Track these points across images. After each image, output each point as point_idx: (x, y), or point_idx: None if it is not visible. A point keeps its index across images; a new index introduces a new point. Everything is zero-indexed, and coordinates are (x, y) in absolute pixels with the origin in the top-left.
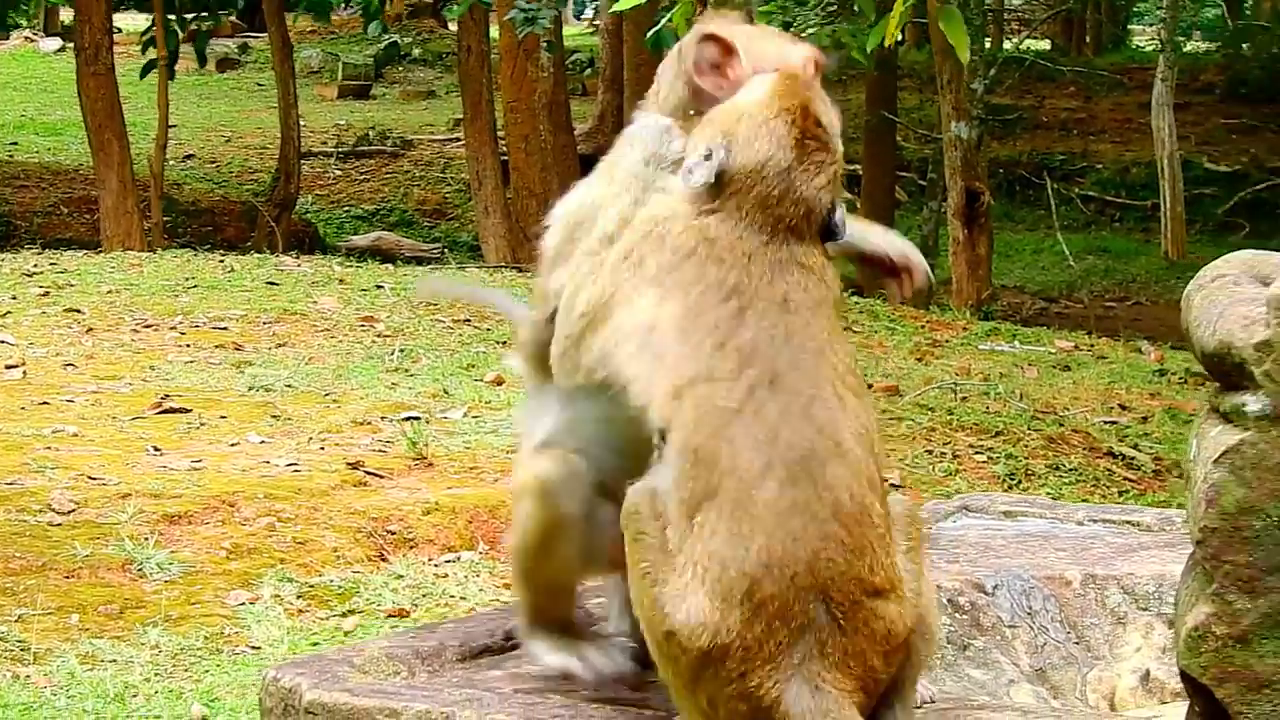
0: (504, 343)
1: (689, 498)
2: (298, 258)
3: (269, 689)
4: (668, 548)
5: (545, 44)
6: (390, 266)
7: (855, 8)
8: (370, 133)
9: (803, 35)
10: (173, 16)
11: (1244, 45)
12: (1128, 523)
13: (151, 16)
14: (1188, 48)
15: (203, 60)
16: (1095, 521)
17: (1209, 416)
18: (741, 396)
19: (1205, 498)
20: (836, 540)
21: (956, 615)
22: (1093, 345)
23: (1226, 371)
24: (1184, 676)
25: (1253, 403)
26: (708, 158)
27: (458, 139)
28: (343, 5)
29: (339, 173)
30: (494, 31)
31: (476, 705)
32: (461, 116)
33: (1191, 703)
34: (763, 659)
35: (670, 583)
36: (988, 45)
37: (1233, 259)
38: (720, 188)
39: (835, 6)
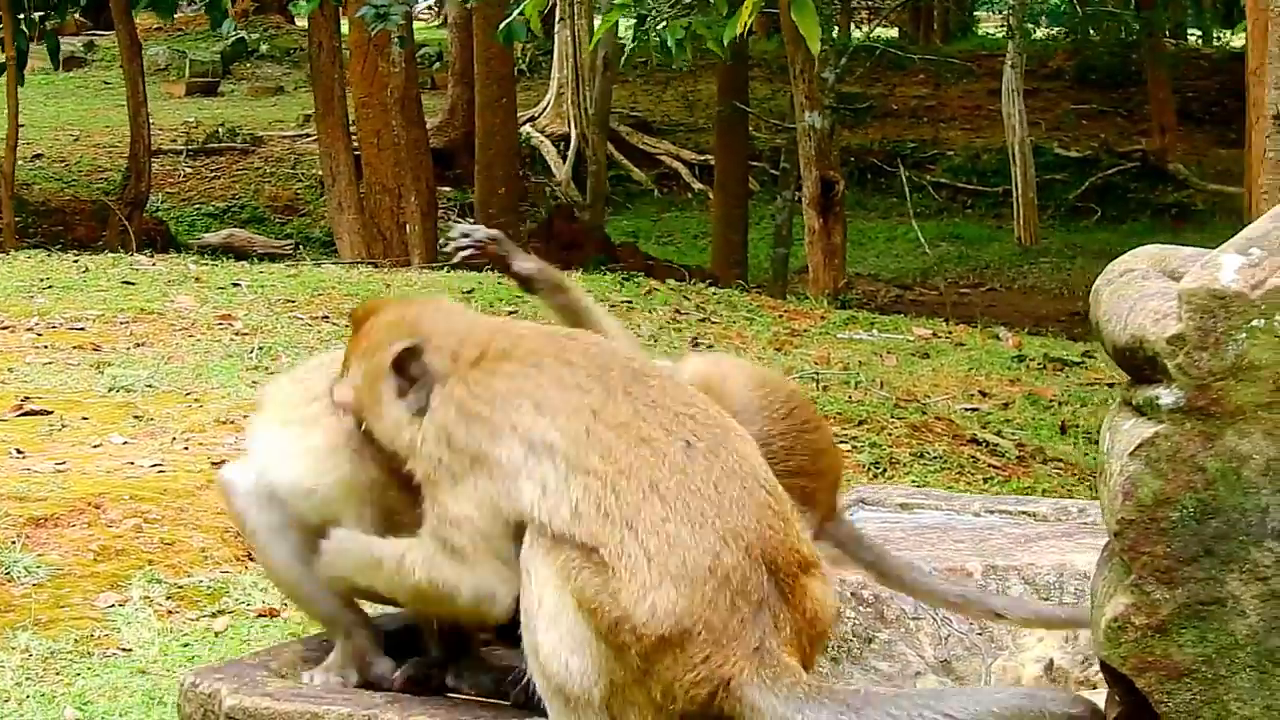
0: None
1: (609, 513)
2: (152, 256)
3: (187, 695)
4: (603, 563)
5: (397, 39)
6: (245, 264)
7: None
8: (220, 130)
9: (658, 27)
10: (20, 16)
11: (1091, 31)
12: (1024, 513)
13: None
14: (1037, 34)
15: (57, 61)
16: (991, 513)
17: (1121, 410)
18: (628, 418)
19: (1122, 490)
20: (769, 508)
21: (861, 608)
22: (950, 332)
23: (1138, 365)
24: (1104, 667)
25: (1166, 396)
26: None
27: (308, 135)
28: (188, 2)
29: (189, 170)
30: (344, 26)
31: (398, 707)
32: (311, 112)
33: (1111, 692)
34: (728, 637)
35: (623, 590)
36: (836, 34)
37: (1140, 253)
38: None
39: None
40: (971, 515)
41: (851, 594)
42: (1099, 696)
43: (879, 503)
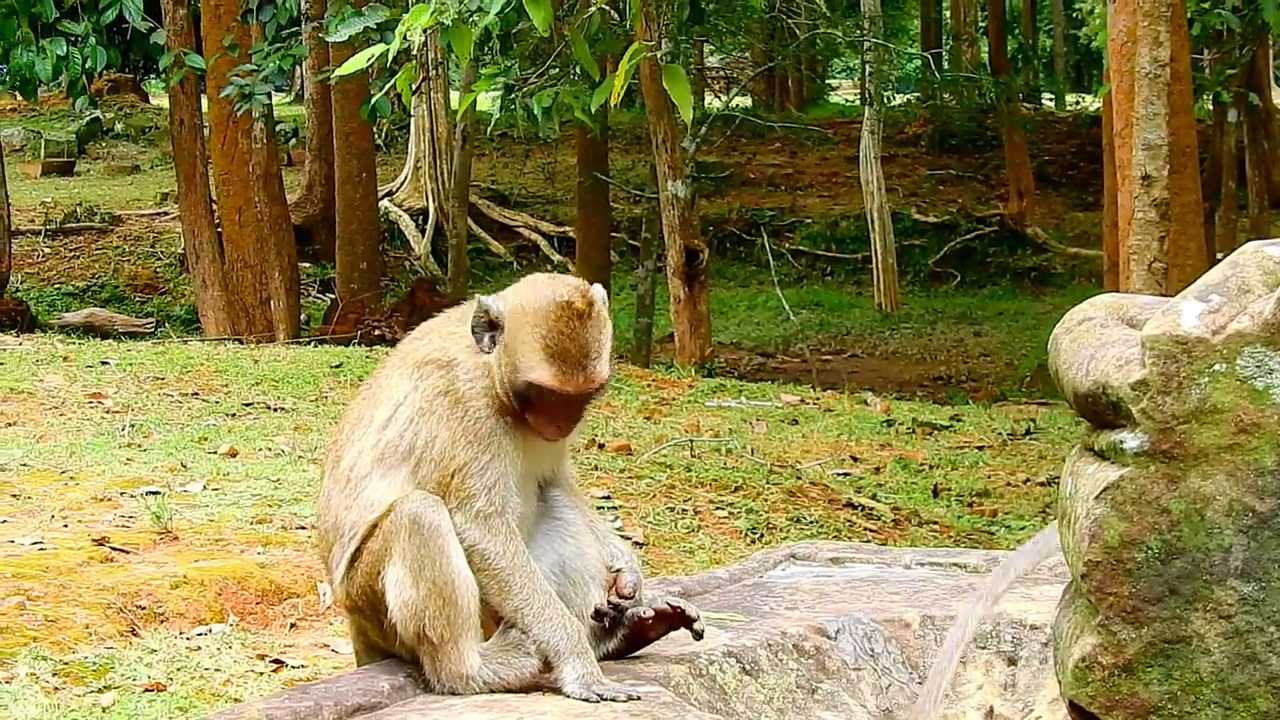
0: (233, 414)
1: None
2: (18, 336)
3: None
4: None
5: (260, 117)
6: (112, 342)
7: (578, 69)
8: (77, 209)
9: (526, 96)
10: None
11: (947, 96)
12: (955, 565)
13: None
14: (894, 101)
15: None
16: (922, 565)
17: (1083, 455)
18: None
19: (1088, 533)
20: None
21: (803, 660)
22: (818, 398)
23: (1100, 411)
24: (1071, 706)
25: (1130, 440)
26: None
27: (166, 213)
28: (47, 83)
29: (48, 250)
30: (204, 104)
31: None
32: (170, 190)
33: None
34: None
35: None
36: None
37: (1096, 302)
38: None
39: (558, 69)
40: (903, 568)
41: (794, 646)
42: None
43: (809, 557)
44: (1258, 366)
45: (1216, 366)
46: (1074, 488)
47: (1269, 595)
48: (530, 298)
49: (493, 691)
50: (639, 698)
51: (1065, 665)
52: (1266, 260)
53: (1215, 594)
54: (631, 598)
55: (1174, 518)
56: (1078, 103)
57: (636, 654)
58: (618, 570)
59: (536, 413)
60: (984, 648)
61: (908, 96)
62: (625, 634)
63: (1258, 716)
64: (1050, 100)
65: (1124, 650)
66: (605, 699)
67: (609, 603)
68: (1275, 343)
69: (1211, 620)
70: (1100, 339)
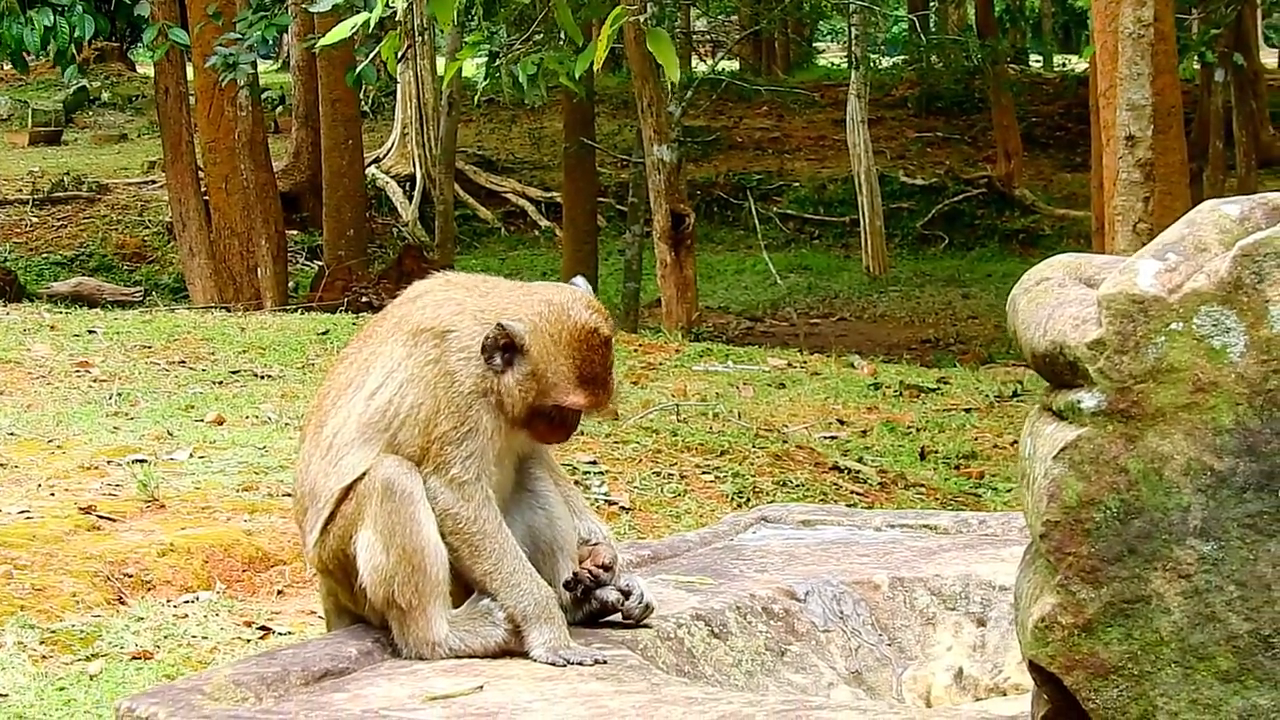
0: (220, 382)
1: None
2: (5, 306)
3: (124, 719)
4: None
5: (246, 85)
6: (99, 311)
7: (563, 35)
8: (64, 178)
9: (511, 63)
10: None
11: (934, 59)
12: (925, 526)
13: None
14: (881, 64)
15: None
16: (893, 527)
17: (1041, 415)
18: None
19: (1046, 493)
20: None
21: (772, 622)
22: (805, 362)
23: (1058, 371)
24: (1031, 666)
25: (1088, 399)
26: None
27: (153, 182)
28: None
29: (35, 220)
30: (189, 72)
31: None
32: (156, 159)
33: (1038, 691)
34: None
35: None
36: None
37: (1054, 262)
38: None
39: (542, 34)
40: (873, 530)
41: (763, 609)
42: (1013, 703)
43: (780, 520)
44: (1214, 325)
45: (1173, 325)
46: (1033, 448)
47: (1228, 554)
48: (555, 323)
49: (460, 658)
50: (605, 661)
51: (1025, 625)
52: (1223, 219)
53: (1174, 553)
54: (610, 569)
55: (1132, 477)
56: (1065, 64)
57: (605, 619)
58: (595, 544)
59: (550, 424)
60: (953, 609)
61: (895, 59)
62: (594, 606)
63: (1218, 675)
64: (1038, 61)
65: (1083, 610)
66: (572, 663)
67: (588, 570)
68: (1231, 301)
69: (1171, 579)
70: (1057, 299)
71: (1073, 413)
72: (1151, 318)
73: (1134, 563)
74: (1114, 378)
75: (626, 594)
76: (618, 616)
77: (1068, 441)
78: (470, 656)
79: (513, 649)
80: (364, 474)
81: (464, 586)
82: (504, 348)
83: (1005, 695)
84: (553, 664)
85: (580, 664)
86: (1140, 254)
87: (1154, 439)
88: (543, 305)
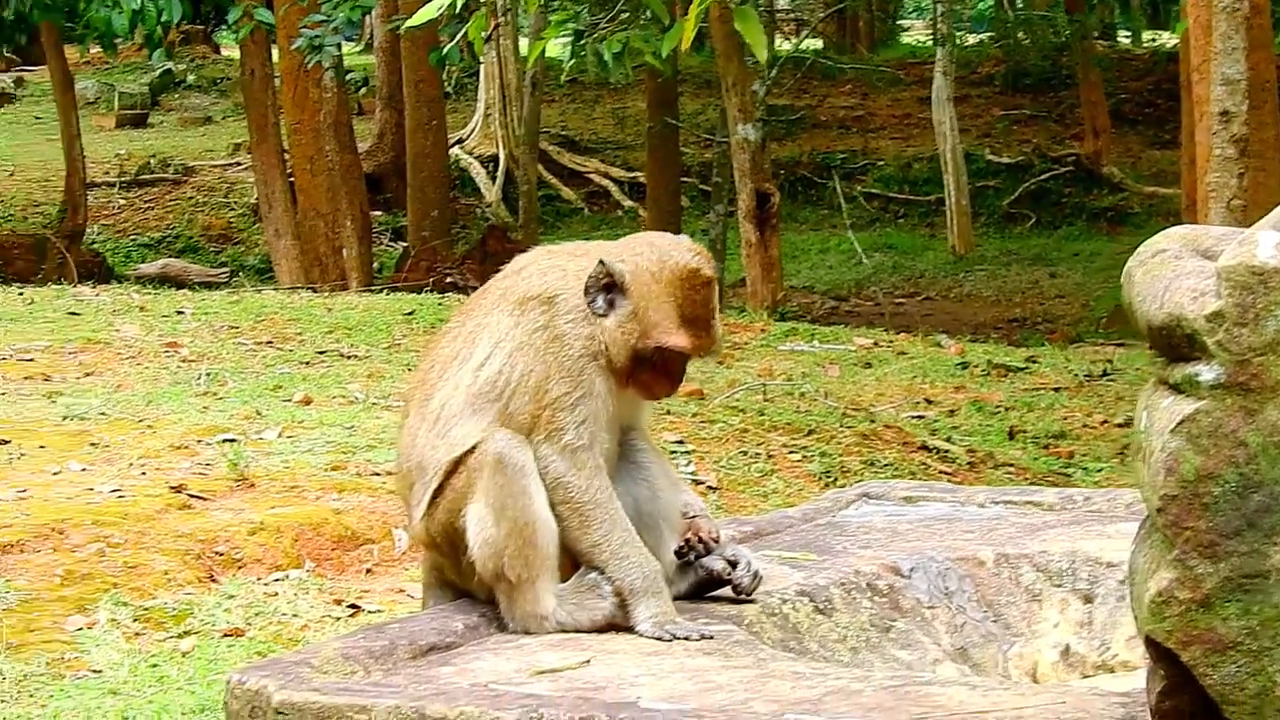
0: (307, 362)
1: None
2: (95, 287)
3: (234, 692)
4: None
5: (331, 67)
6: (187, 292)
7: (648, 13)
8: (151, 161)
9: (596, 42)
10: None
11: (1021, 35)
12: (1029, 503)
13: None
14: (966, 41)
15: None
16: (996, 503)
17: (1157, 388)
18: None
19: (1164, 466)
20: None
21: (876, 598)
22: (891, 341)
23: (1175, 343)
24: (1148, 642)
25: (1206, 372)
26: None
27: (239, 164)
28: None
29: (123, 202)
30: (275, 54)
31: (445, 699)
32: (241, 141)
33: (1154, 668)
34: None
35: None
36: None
37: (1171, 234)
38: None
39: (628, 13)
40: (976, 507)
41: (867, 585)
42: (1122, 680)
43: (882, 496)
44: None
45: None
46: (1149, 421)
47: None
48: (656, 263)
49: (566, 632)
50: (712, 636)
51: (1141, 600)
52: None
53: None
54: (717, 540)
55: (1251, 451)
56: (1154, 39)
57: (711, 595)
58: (694, 516)
59: (653, 372)
60: (1059, 585)
61: (980, 36)
62: (701, 575)
63: None
64: (1126, 37)
65: (1201, 585)
66: (678, 638)
67: (698, 538)
68: None
69: None
70: (1175, 271)
71: (1190, 386)
72: (1272, 289)
73: (1253, 537)
74: (1233, 350)
75: (734, 564)
76: (726, 591)
77: (1185, 415)
78: (576, 631)
79: (618, 623)
80: (474, 447)
81: (571, 560)
82: (605, 287)
83: (1113, 672)
84: (659, 639)
85: (686, 639)
86: (1260, 225)
87: (1273, 412)
88: (644, 246)
